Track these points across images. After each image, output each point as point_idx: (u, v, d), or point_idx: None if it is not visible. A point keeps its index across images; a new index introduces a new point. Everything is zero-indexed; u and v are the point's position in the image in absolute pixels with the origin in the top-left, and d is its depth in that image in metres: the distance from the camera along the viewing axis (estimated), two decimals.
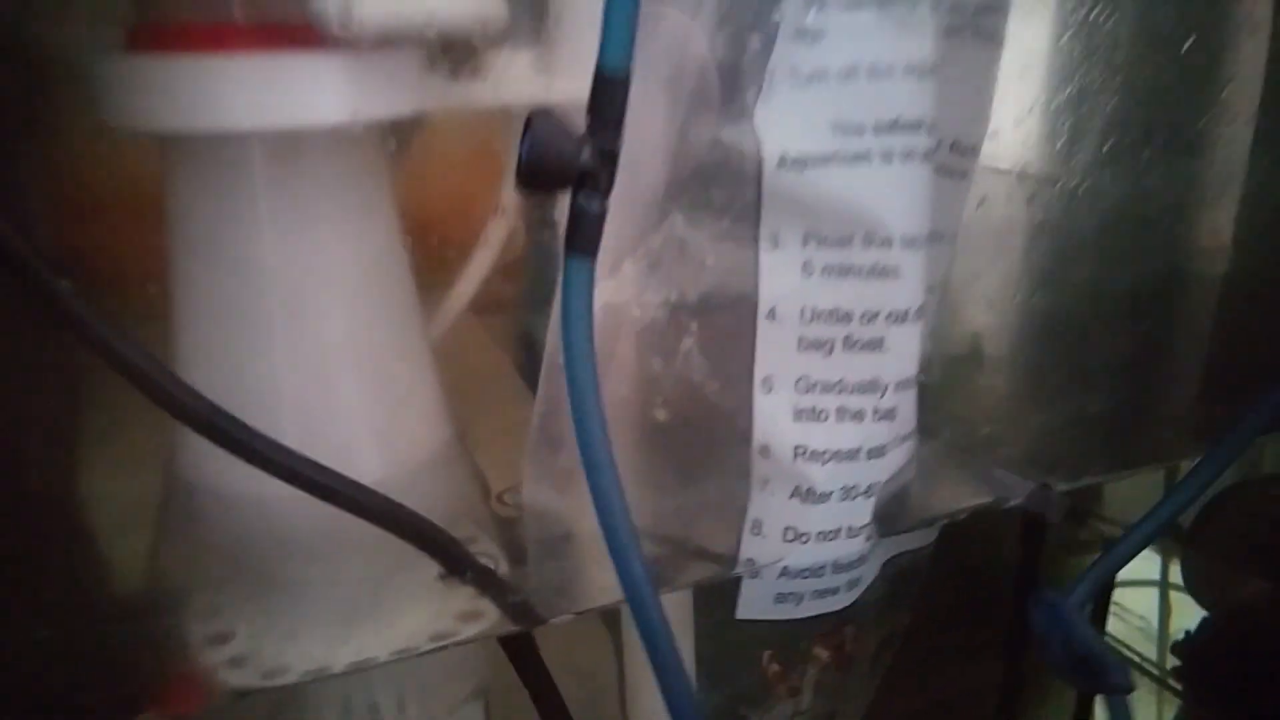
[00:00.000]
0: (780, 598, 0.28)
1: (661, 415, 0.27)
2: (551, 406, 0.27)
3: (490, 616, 0.26)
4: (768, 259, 0.25)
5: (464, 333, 0.31)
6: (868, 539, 0.28)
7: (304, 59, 0.23)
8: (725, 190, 0.25)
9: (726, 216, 0.25)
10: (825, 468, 0.26)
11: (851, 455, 0.26)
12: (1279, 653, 0.48)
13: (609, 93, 0.19)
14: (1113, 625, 0.58)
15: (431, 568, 0.25)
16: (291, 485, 0.22)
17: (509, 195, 0.30)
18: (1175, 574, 0.60)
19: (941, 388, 0.31)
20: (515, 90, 0.27)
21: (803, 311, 0.25)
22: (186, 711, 0.23)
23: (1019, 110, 0.32)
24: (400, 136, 0.27)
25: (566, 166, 0.20)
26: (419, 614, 0.26)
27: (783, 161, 0.24)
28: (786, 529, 0.27)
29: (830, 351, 0.26)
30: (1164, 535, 0.30)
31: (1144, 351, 0.37)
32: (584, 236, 0.20)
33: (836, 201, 0.24)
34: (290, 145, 0.25)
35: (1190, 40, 0.33)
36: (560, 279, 0.21)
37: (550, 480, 0.27)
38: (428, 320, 0.31)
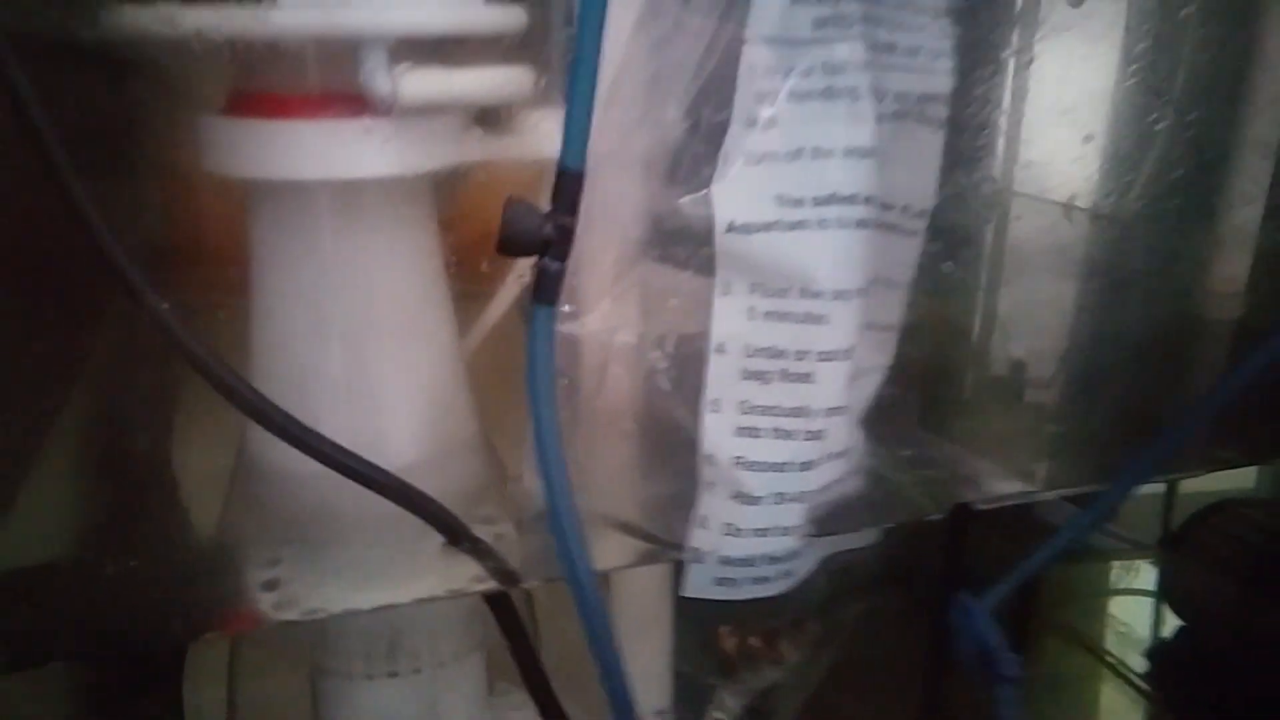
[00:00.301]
0: (720, 581, 0.32)
1: (630, 424, 0.32)
2: None
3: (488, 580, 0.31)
4: (719, 303, 0.30)
5: (490, 345, 0.35)
6: (798, 537, 0.32)
7: (360, 123, 0.28)
8: (687, 247, 0.30)
9: (689, 267, 0.30)
10: (759, 476, 0.31)
11: (781, 468, 0.31)
12: (1243, 659, 0.52)
13: (567, 184, 0.25)
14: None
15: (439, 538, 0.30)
16: (325, 466, 0.27)
17: None
18: None
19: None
20: (543, 143, 0.30)
21: (746, 347, 0.30)
22: (241, 631, 0.29)
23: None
24: (444, 183, 0.31)
25: (533, 238, 0.25)
26: (432, 574, 0.30)
27: (731, 226, 0.28)
28: (726, 524, 0.31)
29: (767, 381, 0.30)
30: (1076, 548, 0.34)
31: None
32: (546, 290, 0.25)
33: (778, 260, 0.29)
34: (350, 191, 0.30)
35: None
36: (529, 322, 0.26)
37: None
38: (462, 336, 0.35)
